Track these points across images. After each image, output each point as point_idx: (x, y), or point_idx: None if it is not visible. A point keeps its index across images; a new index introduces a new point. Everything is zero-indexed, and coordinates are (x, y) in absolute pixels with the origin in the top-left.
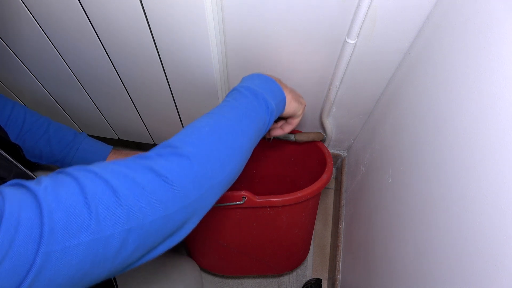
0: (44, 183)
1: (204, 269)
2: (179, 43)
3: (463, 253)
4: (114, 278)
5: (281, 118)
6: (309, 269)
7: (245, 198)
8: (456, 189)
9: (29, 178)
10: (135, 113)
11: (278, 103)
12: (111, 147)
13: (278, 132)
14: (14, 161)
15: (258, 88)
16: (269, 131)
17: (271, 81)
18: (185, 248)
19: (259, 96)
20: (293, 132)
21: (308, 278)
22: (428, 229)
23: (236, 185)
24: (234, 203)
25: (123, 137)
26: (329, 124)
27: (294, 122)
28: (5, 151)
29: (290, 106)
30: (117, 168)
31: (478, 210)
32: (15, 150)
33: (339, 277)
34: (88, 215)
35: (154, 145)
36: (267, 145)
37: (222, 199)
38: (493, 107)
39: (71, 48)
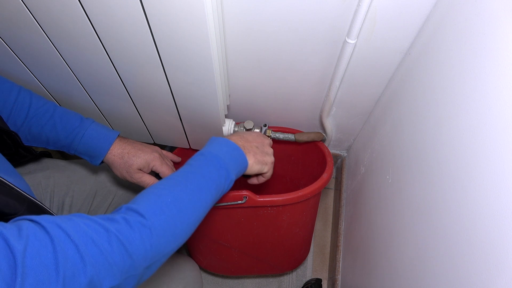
0: (24, 242)
1: (204, 269)
2: (179, 44)
3: (463, 253)
4: None
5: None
6: (309, 269)
7: (246, 197)
8: (456, 188)
9: (42, 209)
10: (135, 113)
11: (239, 172)
12: (117, 133)
13: (253, 181)
14: (25, 193)
15: (223, 157)
16: (247, 179)
17: (236, 150)
18: (185, 248)
19: (223, 167)
20: (293, 132)
21: (308, 278)
22: (428, 229)
23: (237, 185)
24: (235, 202)
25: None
26: (329, 124)
27: (266, 176)
28: (2, 139)
29: (252, 170)
30: (88, 232)
31: (478, 210)
32: (13, 138)
33: (339, 277)
34: (55, 280)
35: (154, 144)
36: None
37: (223, 199)
38: (493, 107)
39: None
